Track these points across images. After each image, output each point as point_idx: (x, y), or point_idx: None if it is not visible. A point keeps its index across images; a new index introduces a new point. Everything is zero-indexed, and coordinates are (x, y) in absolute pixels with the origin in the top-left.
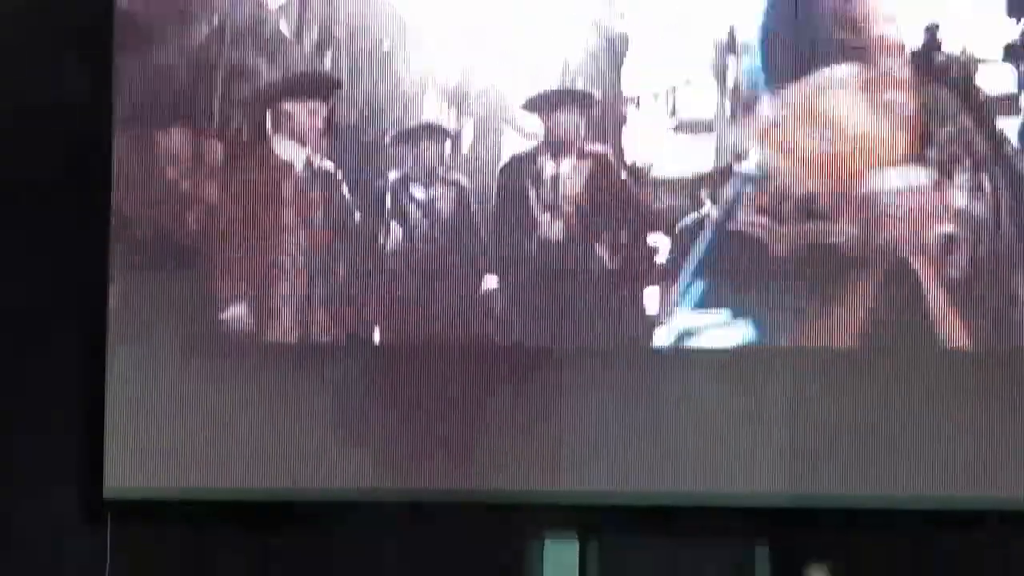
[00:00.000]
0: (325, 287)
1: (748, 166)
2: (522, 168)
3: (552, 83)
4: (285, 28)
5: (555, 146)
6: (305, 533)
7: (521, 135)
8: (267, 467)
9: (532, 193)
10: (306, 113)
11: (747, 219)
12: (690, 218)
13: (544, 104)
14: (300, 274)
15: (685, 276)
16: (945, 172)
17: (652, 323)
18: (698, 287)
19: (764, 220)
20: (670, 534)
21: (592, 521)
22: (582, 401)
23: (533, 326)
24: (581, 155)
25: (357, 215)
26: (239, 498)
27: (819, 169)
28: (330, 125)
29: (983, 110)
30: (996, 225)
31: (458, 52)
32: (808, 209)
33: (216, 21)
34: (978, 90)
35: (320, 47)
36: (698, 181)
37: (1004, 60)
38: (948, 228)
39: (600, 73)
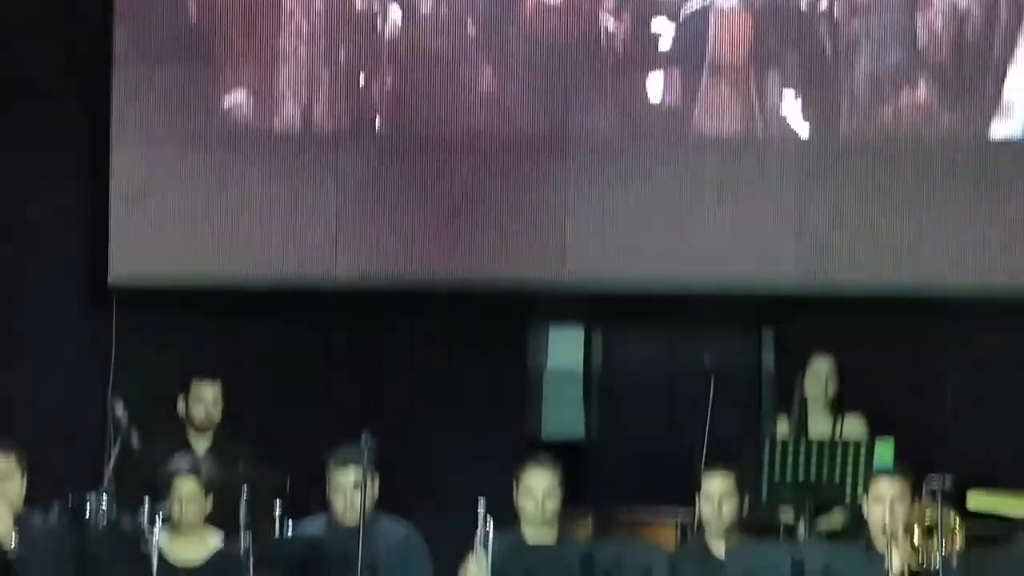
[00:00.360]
0: (327, 74)
1: None
2: None
3: None
4: None
5: None
6: (306, 320)
7: None
8: (270, 256)
9: None
10: None
11: None
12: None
13: None
14: (301, 61)
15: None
16: None
17: (656, 111)
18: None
19: None
20: (673, 322)
21: (597, 309)
22: (586, 191)
23: (536, 115)
24: None
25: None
26: (242, 286)
27: None
28: None
29: None
30: None
31: None
32: None
33: None
34: None
35: None
36: None
37: None
38: None
39: None
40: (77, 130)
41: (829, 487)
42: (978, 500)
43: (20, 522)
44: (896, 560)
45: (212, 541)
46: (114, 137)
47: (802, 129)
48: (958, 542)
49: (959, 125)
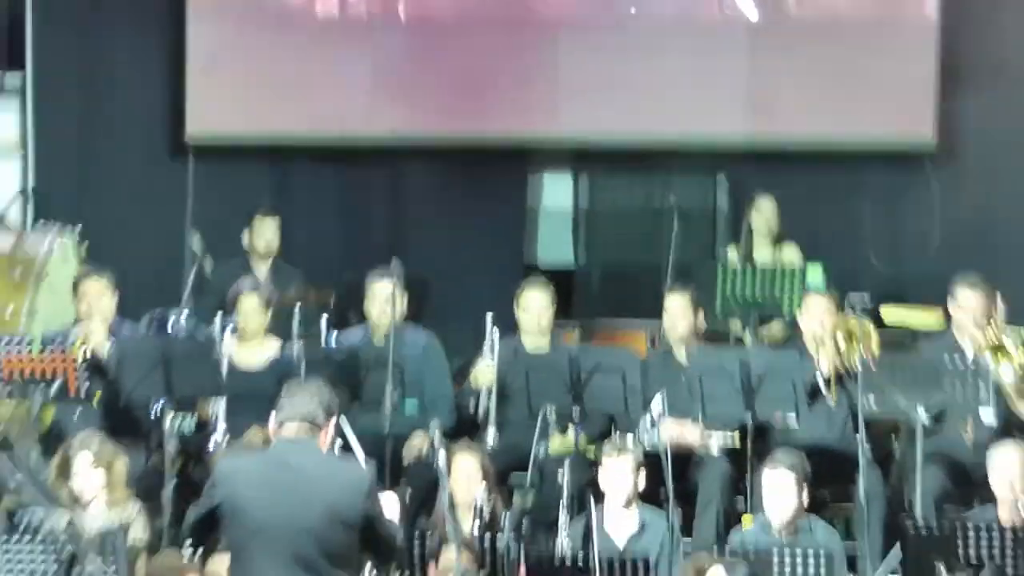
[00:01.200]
0: None
1: None
2: None
3: None
4: None
5: None
6: (347, 168)
7: None
8: (318, 116)
9: None
10: None
11: None
12: None
13: None
14: None
15: None
16: None
17: None
18: None
19: None
20: (646, 169)
21: (583, 159)
22: (575, 62)
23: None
24: None
25: None
26: (295, 140)
27: None
28: None
29: None
30: None
31: None
32: None
33: None
34: None
35: None
36: None
37: None
38: None
39: None
40: (160, 4)
41: (770, 303)
42: (890, 313)
43: (113, 333)
44: (824, 362)
45: (271, 349)
46: (190, 12)
47: (752, 13)
48: (874, 347)
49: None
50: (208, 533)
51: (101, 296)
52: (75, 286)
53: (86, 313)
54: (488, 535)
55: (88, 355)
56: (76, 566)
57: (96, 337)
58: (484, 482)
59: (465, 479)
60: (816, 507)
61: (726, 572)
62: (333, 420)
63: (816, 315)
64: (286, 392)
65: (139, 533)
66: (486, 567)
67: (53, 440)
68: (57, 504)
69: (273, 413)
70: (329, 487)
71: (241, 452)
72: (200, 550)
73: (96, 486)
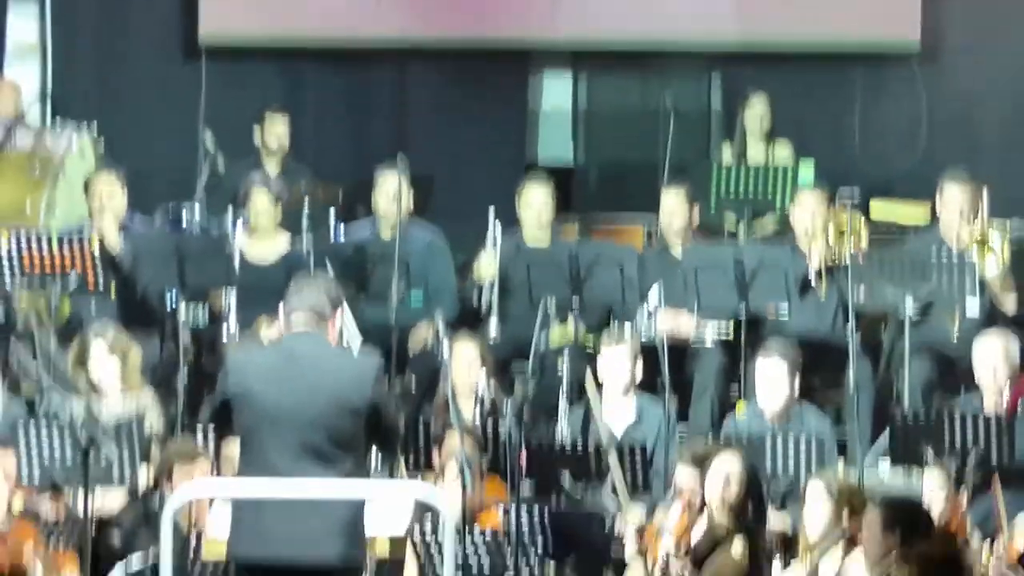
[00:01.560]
0: None
1: None
2: None
3: None
4: None
5: None
6: (356, 69)
7: None
8: (328, 19)
9: None
10: None
11: None
12: None
13: None
14: None
15: None
16: None
17: None
18: None
19: None
20: (642, 70)
21: (582, 60)
22: None
23: None
24: None
25: None
26: (305, 42)
27: None
28: None
29: None
30: None
31: None
32: None
33: None
34: None
35: None
36: None
37: None
38: None
39: None
40: None
41: (763, 200)
42: (879, 208)
43: (124, 230)
44: (815, 255)
45: (282, 243)
46: None
47: None
48: (863, 241)
49: None
50: (224, 421)
51: (112, 193)
52: (86, 184)
53: (98, 210)
54: (490, 422)
55: (101, 250)
56: (93, 451)
57: (108, 233)
58: (484, 369)
59: (466, 367)
60: (807, 394)
61: (735, 460)
62: (339, 311)
63: (807, 210)
64: (294, 285)
65: (153, 421)
66: (488, 453)
67: (70, 331)
68: (74, 392)
69: (281, 305)
70: (337, 375)
71: (251, 343)
72: (212, 437)
73: (112, 375)
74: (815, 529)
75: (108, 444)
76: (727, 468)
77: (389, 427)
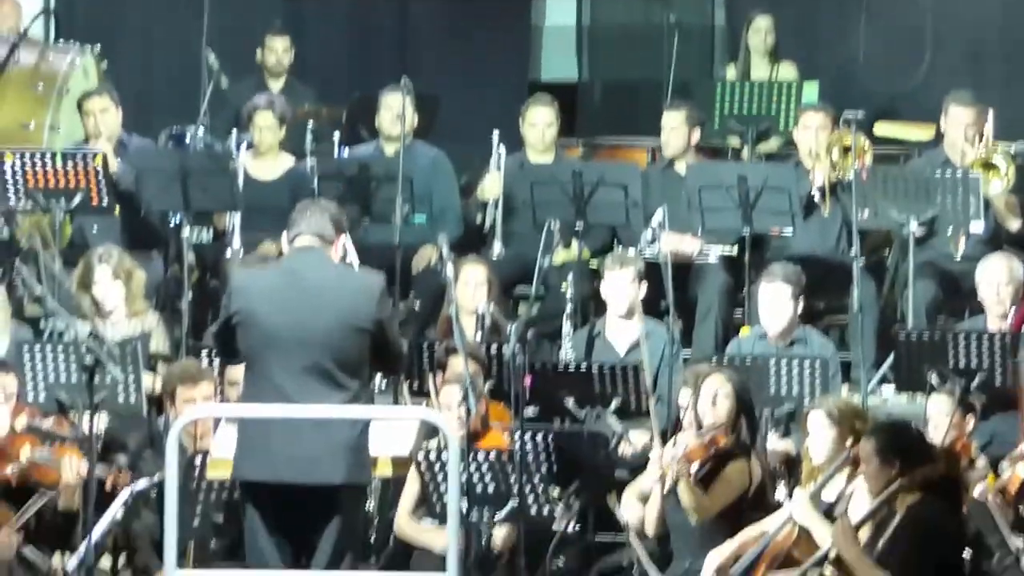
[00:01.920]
0: None
1: None
2: None
3: None
4: None
5: None
6: None
7: None
8: None
9: None
10: None
11: None
12: None
13: None
14: None
15: None
16: None
17: None
18: None
19: None
20: None
21: None
22: None
23: None
24: None
25: None
26: None
27: None
28: None
29: None
30: None
31: None
32: None
33: None
34: None
35: None
36: None
37: None
38: None
39: None
40: None
41: (767, 119)
42: (883, 128)
43: (120, 147)
44: (819, 175)
45: (285, 163)
46: None
47: None
48: (867, 160)
49: None
50: (228, 344)
51: (105, 113)
52: (79, 104)
53: (93, 131)
54: (494, 344)
55: (105, 169)
56: (98, 373)
57: (107, 153)
58: (489, 292)
59: (472, 289)
60: (811, 318)
61: (724, 379)
62: (343, 235)
63: (812, 129)
64: (297, 210)
65: (158, 342)
66: (492, 375)
67: (75, 251)
68: (79, 314)
69: (285, 231)
70: (341, 294)
71: (255, 265)
72: (217, 359)
73: (116, 297)
74: (818, 454)
75: (113, 366)
76: (716, 388)
77: (392, 347)
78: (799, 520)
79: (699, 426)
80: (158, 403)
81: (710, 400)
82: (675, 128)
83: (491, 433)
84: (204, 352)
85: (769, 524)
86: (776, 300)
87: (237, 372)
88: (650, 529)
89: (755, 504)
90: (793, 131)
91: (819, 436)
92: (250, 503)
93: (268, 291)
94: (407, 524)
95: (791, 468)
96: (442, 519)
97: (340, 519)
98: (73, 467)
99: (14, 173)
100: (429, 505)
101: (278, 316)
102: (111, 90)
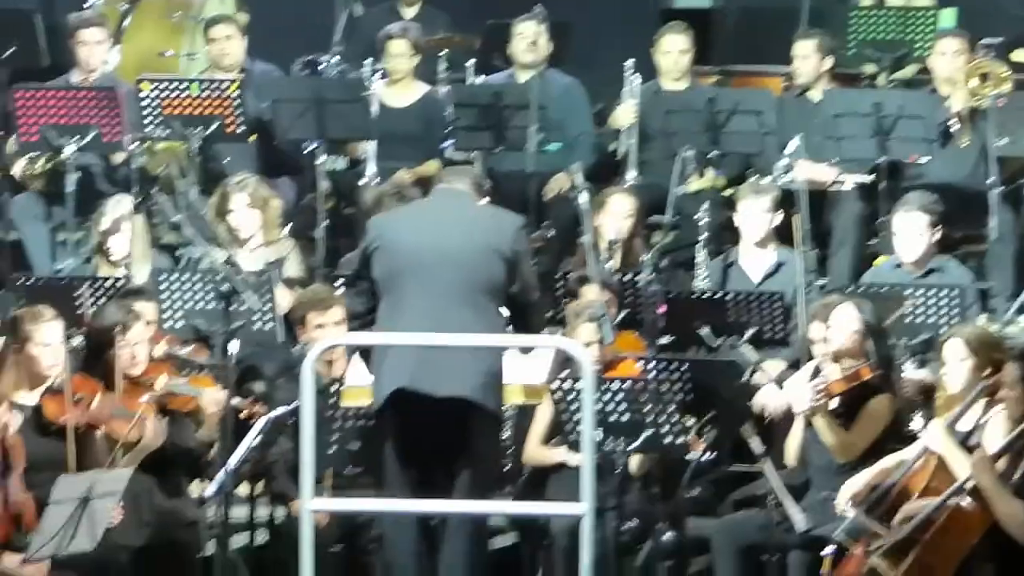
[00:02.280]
0: None
1: None
2: None
3: None
4: None
5: None
6: None
7: None
8: None
9: None
10: None
11: None
12: None
13: None
14: None
15: None
16: None
17: None
18: None
19: None
20: None
21: None
22: None
23: None
24: None
25: None
26: None
27: None
28: None
29: None
30: None
31: None
32: None
33: None
34: None
35: None
36: None
37: None
38: None
39: None
40: None
41: (903, 45)
42: (1021, 55)
43: (244, 75)
44: (956, 102)
45: (419, 91)
46: None
47: None
48: (1005, 87)
49: None
50: (364, 273)
51: (230, 40)
52: (205, 31)
53: (217, 58)
54: (629, 274)
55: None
56: (233, 301)
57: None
58: (636, 224)
59: (618, 219)
60: (948, 247)
61: (854, 308)
62: (483, 202)
63: (948, 56)
64: (442, 173)
65: (293, 270)
66: (626, 305)
67: (211, 179)
68: (215, 242)
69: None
70: (483, 224)
71: (390, 195)
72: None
73: (252, 225)
74: (955, 383)
75: (248, 294)
76: (845, 318)
77: (527, 288)
78: (936, 450)
79: (833, 359)
80: (291, 328)
81: (840, 331)
82: (807, 57)
83: (623, 363)
84: (338, 281)
85: (906, 454)
86: (912, 229)
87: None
88: (791, 459)
89: (892, 434)
90: (929, 58)
91: (956, 365)
92: (387, 425)
93: (410, 218)
94: (537, 450)
95: (927, 398)
96: (576, 448)
97: (475, 448)
98: (215, 399)
99: (151, 101)
100: (563, 434)
101: (420, 239)
102: (237, 17)
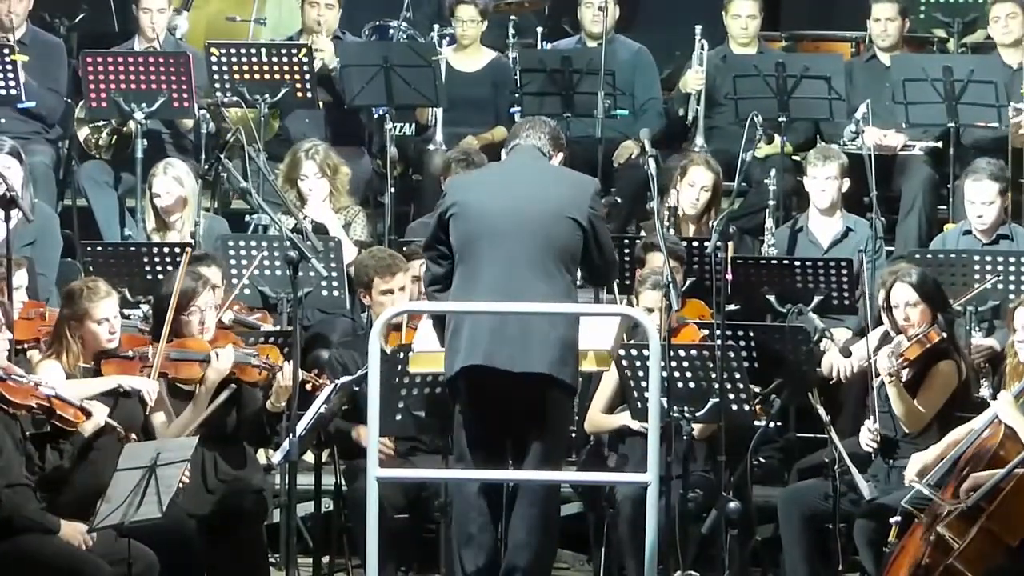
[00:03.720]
0: None
1: None
2: None
3: None
4: None
5: None
6: None
7: None
8: None
9: None
10: None
11: None
12: None
13: None
14: None
15: None
16: None
17: None
18: None
19: None
20: None
21: None
22: None
23: None
24: None
25: None
26: None
27: None
28: None
29: None
30: None
31: None
32: None
33: None
34: None
35: None
36: None
37: None
38: None
39: None
40: None
41: (974, 8)
42: None
43: (338, 43)
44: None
45: (487, 57)
46: None
47: None
48: None
49: None
50: (441, 237)
51: (331, 8)
52: None
53: (313, 24)
54: (696, 241)
55: (317, 66)
56: (301, 267)
57: (325, 48)
58: (713, 198)
59: (695, 190)
60: (1018, 214)
61: (907, 287)
62: (560, 155)
63: (1003, 20)
64: (518, 124)
65: (361, 235)
66: (693, 272)
67: (281, 145)
68: (284, 208)
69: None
70: (558, 187)
71: (458, 158)
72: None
73: (321, 192)
74: None
75: (316, 261)
76: (901, 294)
77: (604, 251)
78: (1005, 420)
79: (894, 328)
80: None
81: (896, 301)
82: (891, 19)
83: (687, 328)
84: (405, 248)
85: (975, 424)
86: (982, 197)
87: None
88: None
89: (959, 402)
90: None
91: None
92: (459, 395)
93: (484, 183)
94: (598, 417)
95: (995, 365)
96: (640, 415)
97: (550, 419)
98: (288, 374)
99: (220, 66)
100: (630, 401)
101: (496, 204)
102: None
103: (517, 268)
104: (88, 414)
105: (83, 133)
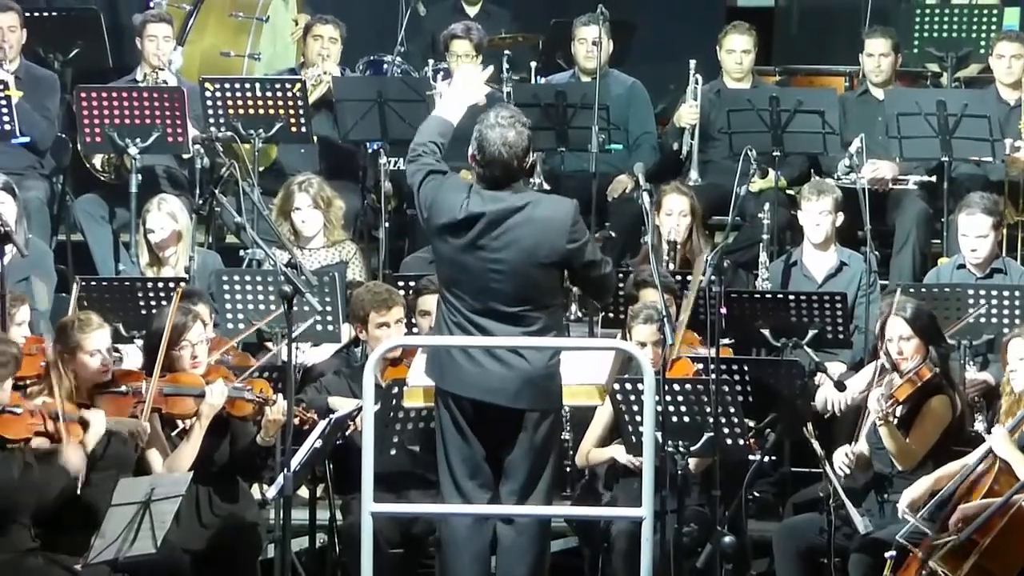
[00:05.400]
0: None
1: None
2: None
3: None
4: None
5: None
6: None
7: None
8: None
9: None
10: None
11: None
12: None
13: None
14: None
15: None
16: None
17: None
18: None
19: None
20: None
21: None
22: None
23: None
24: None
25: None
26: None
27: None
28: None
29: None
30: None
31: None
32: None
33: None
34: None
35: None
36: None
37: None
38: None
39: None
40: None
41: (967, 43)
42: None
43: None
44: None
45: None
46: None
47: None
48: None
49: None
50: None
51: (335, 43)
52: (306, 30)
53: (317, 57)
54: (688, 274)
55: (323, 91)
56: (296, 301)
57: (334, 72)
58: (693, 222)
59: (674, 218)
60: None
61: (900, 320)
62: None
63: (1005, 59)
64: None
65: (356, 271)
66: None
67: (274, 179)
68: (278, 242)
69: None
70: (526, 230)
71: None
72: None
73: (315, 226)
74: (1020, 384)
75: (310, 295)
76: (894, 328)
77: (593, 273)
78: (1000, 454)
79: (891, 365)
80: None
81: (890, 335)
82: (884, 55)
83: (679, 362)
84: (400, 283)
85: (969, 459)
86: (975, 230)
87: (429, 302)
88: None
89: (954, 436)
90: (990, 58)
91: (1020, 367)
92: (444, 409)
93: (456, 229)
94: (591, 451)
95: (990, 400)
96: (632, 449)
97: (530, 442)
98: (282, 409)
99: (214, 101)
100: (624, 435)
101: (463, 256)
102: (337, 20)
103: (488, 317)
104: (86, 424)
105: (98, 160)
